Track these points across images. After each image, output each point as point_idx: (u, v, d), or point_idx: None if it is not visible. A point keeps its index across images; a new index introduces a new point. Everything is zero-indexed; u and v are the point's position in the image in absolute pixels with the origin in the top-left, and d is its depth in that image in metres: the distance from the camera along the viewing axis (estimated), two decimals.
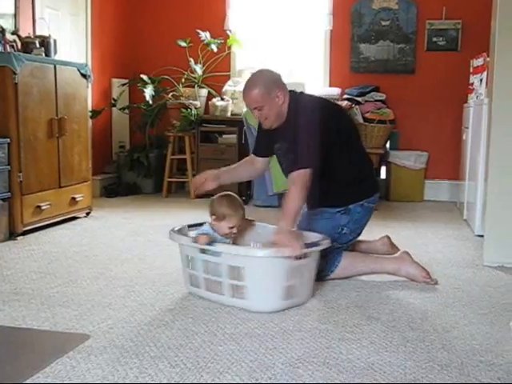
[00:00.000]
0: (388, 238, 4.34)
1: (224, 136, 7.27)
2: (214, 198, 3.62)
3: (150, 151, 7.59)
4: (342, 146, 3.80)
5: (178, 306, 3.30)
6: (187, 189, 7.64)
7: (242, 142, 7.03)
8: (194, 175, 7.24)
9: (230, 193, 3.63)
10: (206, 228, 3.52)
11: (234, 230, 3.50)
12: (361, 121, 6.89)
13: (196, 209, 6.38)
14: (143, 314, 3.17)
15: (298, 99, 3.80)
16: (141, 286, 3.68)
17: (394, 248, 4.27)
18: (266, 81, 3.69)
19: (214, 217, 3.51)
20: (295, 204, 3.50)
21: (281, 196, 6.68)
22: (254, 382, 2.38)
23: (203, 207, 6.37)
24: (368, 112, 6.97)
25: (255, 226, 3.91)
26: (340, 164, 3.78)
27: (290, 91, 3.83)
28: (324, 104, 3.91)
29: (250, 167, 4.19)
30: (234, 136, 7.20)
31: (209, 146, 7.27)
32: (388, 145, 7.35)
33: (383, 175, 7.44)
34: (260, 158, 4.13)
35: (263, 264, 3.24)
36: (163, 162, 7.50)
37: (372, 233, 4.27)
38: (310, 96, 4.04)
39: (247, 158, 4.27)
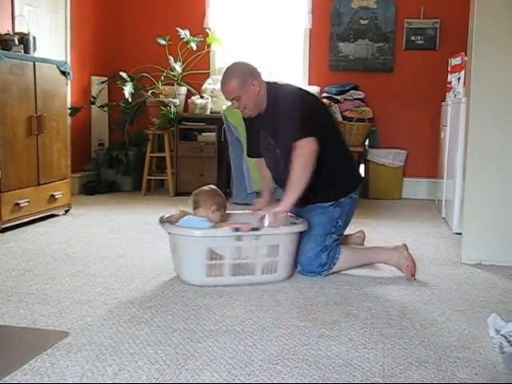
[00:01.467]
0: (363, 232, 4.50)
1: (203, 134, 7.26)
2: (199, 192, 3.90)
3: (129, 149, 7.57)
4: (330, 139, 3.89)
5: (157, 303, 3.30)
6: (166, 186, 7.63)
7: (221, 139, 7.03)
8: (173, 173, 7.26)
9: (210, 186, 3.96)
10: (197, 220, 3.72)
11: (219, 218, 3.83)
12: (340, 119, 6.90)
13: (175, 206, 6.34)
14: (122, 311, 3.16)
15: (277, 87, 3.93)
16: (120, 283, 3.67)
17: (363, 245, 4.46)
18: (240, 71, 3.84)
19: (214, 207, 3.77)
20: (301, 181, 3.68)
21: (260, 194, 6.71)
22: (232, 378, 2.38)
23: (182, 204, 6.37)
24: (347, 110, 6.98)
25: (230, 215, 4.16)
26: (329, 158, 3.83)
27: (268, 82, 3.94)
28: (308, 92, 4.08)
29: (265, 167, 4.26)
30: (214, 134, 7.19)
31: (188, 143, 7.26)
32: (367, 143, 7.37)
33: (362, 173, 7.46)
34: (258, 160, 4.26)
35: (292, 239, 3.75)
36: (142, 160, 7.48)
37: (349, 230, 4.28)
38: (288, 84, 4.10)
39: (258, 162, 4.34)
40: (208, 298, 3.39)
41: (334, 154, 3.90)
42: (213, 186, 3.94)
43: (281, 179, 3.94)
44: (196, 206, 3.81)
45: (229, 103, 6.57)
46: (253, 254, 3.65)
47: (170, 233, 3.68)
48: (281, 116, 3.79)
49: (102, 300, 3.33)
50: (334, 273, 3.90)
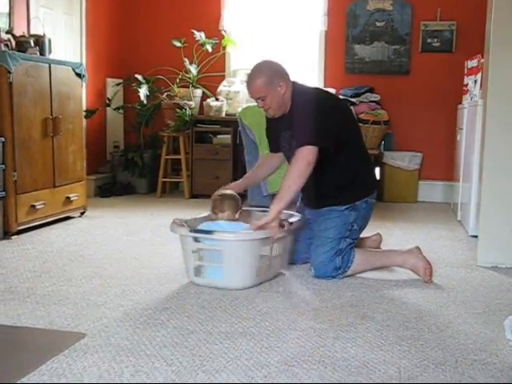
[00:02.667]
0: (379, 235, 4.50)
1: (218, 136, 7.28)
2: (223, 197, 3.89)
3: (145, 151, 7.59)
4: (348, 141, 3.90)
5: (173, 304, 3.31)
6: (181, 189, 7.65)
7: (236, 142, 7.04)
8: (188, 175, 7.27)
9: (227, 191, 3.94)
10: (222, 224, 3.74)
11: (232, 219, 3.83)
12: None
13: (190, 208, 6.39)
14: (138, 312, 3.18)
15: (302, 89, 3.91)
16: (136, 285, 3.69)
17: (380, 248, 4.46)
18: (268, 71, 3.80)
19: (240, 211, 3.89)
20: (294, 184, 3.65)
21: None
22: (249, 380, 2.39)
23: (197, 207, 6.39)
24: (362, 113, 6.99)
25: (252, 214, 4.27)
26: (347, 161, 3.86)
27: (294, 82, 3.92)
28: (330, 94, 4.18)
29: (267, 164, 4.32)
30: (229, 136, 7.21)
31: (203, 146, 7.28)
32: (382, 146, 7.36)
33: (378, 176, 7.45)
34: (276, 154, 4.22)
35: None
36: (157, 162, 7.51)
37: (364, 233, 4.29)
38: (315, 88, 4.16)
39: (265, 156, 4.42)
40: (224, 299, 3.40)
41: (351, 156, 3.91)
42: (229, 191, 3.94)
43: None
44: (222, 210, 3.81)
45: (244, 105, 6.62)
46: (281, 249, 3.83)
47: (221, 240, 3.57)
48: (295, 119, 3.79)
49: (118, 302, 3.35)
50: (349, 276, 3.90)
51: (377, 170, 7.35)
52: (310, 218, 4.05)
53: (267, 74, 3.77)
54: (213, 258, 3.59)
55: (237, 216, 3.82)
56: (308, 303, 3.40)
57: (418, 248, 4.02)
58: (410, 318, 3.17)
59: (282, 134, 3.99)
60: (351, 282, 3.83)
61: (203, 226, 3.69)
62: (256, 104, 3.94)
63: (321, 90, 4.14)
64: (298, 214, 4.04)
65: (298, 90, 3.86)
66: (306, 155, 3.61)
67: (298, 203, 4.29)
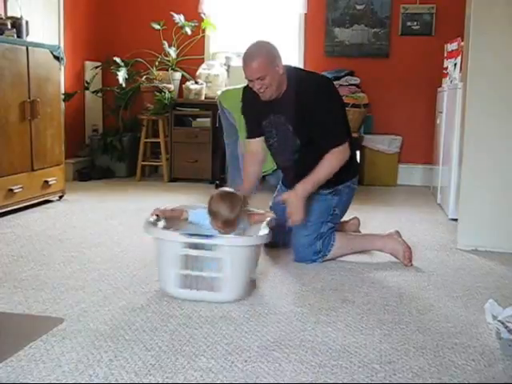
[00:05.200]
0: (357, 219, 4.49)
1: (198, 119, 7.25)
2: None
3: (124, 135, 7.55)
4: None
5: (152, 289, 3.28)
6: (161, 172, 7.61)
7: (215, 125, 7.01)
8: (167, 159, 7.24)
9: (227, 190, 3.45)
10: (200, 212, 3.44)
11: (223, 231, 3.30)
12: None
13: (169, 192, 6.37)
14: (117, 297, 3.15)
15: (298, 73, 3.90)
16: (115, 269, 3.66)
17: (359, 231, 4.46)
18: (267, 50, 3.70)
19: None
20: (325, 173, 3.69)
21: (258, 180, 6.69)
22: (229, 364, 2.38)
23: (177, 190, 6.36)
24: (343, 96, 6.91)
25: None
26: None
27: (286, 65, 3.86)
28: (327, 78, 4.15)
29: (254, 162, 4.12)
30: (208, 119, 7.19)
31: (183, 129, 7.25)
32: (362, 129, 7.36)
33: (357, 159, 7.44)
34: (255, 140, 4.09)
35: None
36: (137, 146, 7.47)
37: (345, 216, 4.29)
38: (305, 70, 4.18)
39: (246, 157, 4.20)
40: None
41: None
42: (223, 190, 3.46)
43: (287, 166, 3.98)
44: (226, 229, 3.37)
45: (224, 88, 6.58)
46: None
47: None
48: (305, 107, 3.73)
49: (96, 286, 3.32)
50: (328, 259, 3.89)
51: (357, 154, 7.35)
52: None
53: (267, 54, 3.68)
54: (206, 266, 3.10)
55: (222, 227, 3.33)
56: (288, 287, 3.39)
57: (397, 232, 4.04)
58: (391, 301, 3.17)
59: (270, 117, 3.92)
60: (331, 265, 3.82)
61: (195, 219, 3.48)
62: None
63: (315, 74, 4.06)
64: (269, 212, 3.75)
65: (291, 74, 3.81)
66: (343, 155, 3.74)
67: (278, 186, 4.26)
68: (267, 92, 3.74)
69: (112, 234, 4.57)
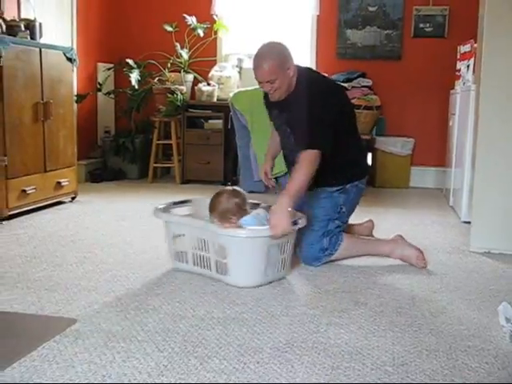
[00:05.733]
0: (372, 222, 4.47)
1: (210, 121, 7.25)
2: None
3: (136, 136, 7.55)
4: (344, 126, 3.85)
5: (164, 290, 3.29)
6: (173, 174, 7.61)
7: (227, 127, 7.01)
8: (179, 161, 7.24)
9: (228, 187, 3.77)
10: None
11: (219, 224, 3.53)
12: None
13: (181, 193, 6.37)
14: (130, 298, 3.16)
15: (306, 74, 3.86)
16: (127, 270, 3.67)
17: (372, 235, 4.44)
18: (278, 53, 3.68)
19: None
20: (300, 182, 3.52)
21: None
22: (241, 366, 2.38)
23: (189, 192, 6.37)
24: (354, 98, 6.95)
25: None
26: (341, 144, 3.78)
27: (299, 66, 3.85)
28: (334, 84, 4.08)
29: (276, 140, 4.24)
30: (220, 121, 7.18)
31: (195, 131, 7.25)
32: (374, 131, 7.35)
33: (369, 161, 7.43)
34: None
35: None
36: (149, 148, 7.47)
37: (357, 218, 4.28)
38: (317, 73, 4.09)
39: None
40: (216, 285, 3.38)
41: (347, 141, 3.88)
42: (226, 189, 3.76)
43: (290, 161, 3.94)
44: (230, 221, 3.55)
45: (236, 90, 6.59)
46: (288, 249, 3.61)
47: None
48: (299, 114, 3.71)
49: (109, 287, 3.33)
50: (333, 261, 3.88)
51: (369, 156, 7.33)
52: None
53: (278, 57, 3.65)
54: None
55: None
56: (300, 289, 3.40)
57: (401, 236, 4.03)
58: (404, 303, 3.16)
59: (276, 113, 3.96)
60: (344, 267, 3.81)
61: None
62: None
63: (324, 78, 4.06)
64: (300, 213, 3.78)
65: (302, 75, 3.79)
66: (315, 160, 3.56)
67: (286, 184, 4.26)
68: (276, 94, 3.75)
69: (124, 235, 4.58)
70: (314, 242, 3.82)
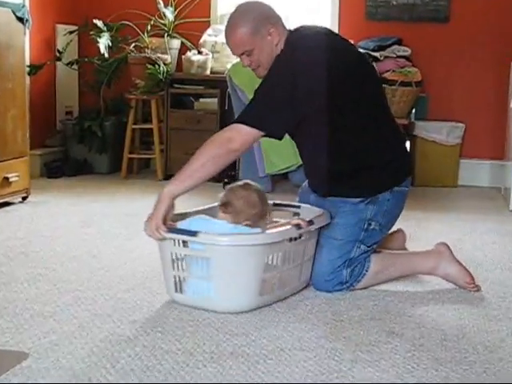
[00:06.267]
0: (402, 232, 4.36)
1: (201, 100, 7.27)
2: (235, 194, 3.59)
3: (106, 119, 7.56)
4: (360, 107, 3.71)
5: (142, 316, 3.29)
6: (153, 167, 7.62)
7: (224, 107, 7.01)
8: (162, 150, 7.24)
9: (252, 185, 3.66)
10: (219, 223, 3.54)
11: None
12: None
13: None
14: (97, 326, 3.16)
15: (301, 36, 3.74)
16: (94, 291, 3.67)
17: (404, 248, 4.34)
18: (253, 15, 3.63)
19: (248, 222, 3.51)
20: (191, 166, 3.50)
21: (275, 178, 6.68)
22: None
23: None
24: (388, 71, 6.95)
25: None
26: (361, 134, 3.70)
27: (293, 29, 3.78)
28: (330, 45, 3.75)
29: None
30: (215, 100, 7.19)
31: (182, 112, 7.27)
32: (413, 114, 7.35)
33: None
34: None
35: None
36: (122, 133, 7.48)
37: None
38: (317, 30, 3.89)
39: None
40: (208, 310, 3.38)
41: (370, 129, 3.74)
42: (255, 186, 3.64)
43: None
44: (225, 211, 3.56)
45: (236, 59, 6.59)
46: (300, 258, 3.62)
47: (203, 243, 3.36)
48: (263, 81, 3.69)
49: (71, 312, 3.33)
50: (357, 289, 3.84)
51: (407, 145, 7.34)
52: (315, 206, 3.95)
53: (252, 20, 3.60)
54: (198, 268, 3.42)
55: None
56: (317, 315, 3.39)
57: (446, 246, 3.93)
58: (450, 335, 3.16)
59: None
60: (372, 289, 3.81)
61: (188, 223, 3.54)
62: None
63: (328, 34, 3.90)
64: (316, 207, 3.83)
65: (291, 39, 3.69)
66: (229, 139, 3.51)
67: (303, 185, 4.23)
68: (261, 70, 3.72)
69: (90, 245, 4.58)
70: (330, 272, 3.70)
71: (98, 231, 4.98)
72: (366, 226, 3.73)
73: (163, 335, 3.06)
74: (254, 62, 3.68)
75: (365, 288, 3.83)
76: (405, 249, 4.34)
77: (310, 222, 3.52)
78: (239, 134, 3.50)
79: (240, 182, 3.67)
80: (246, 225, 3.46)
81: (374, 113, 3.80)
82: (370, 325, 3.27)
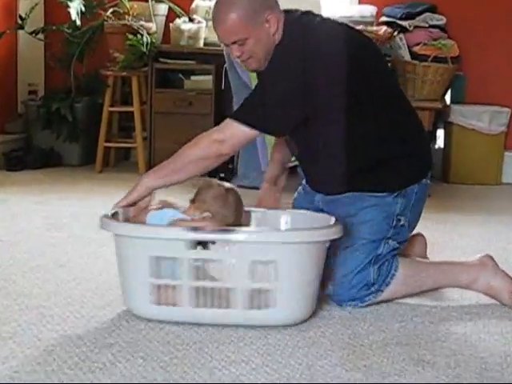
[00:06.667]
0: (422, 237, 4.40)
1: (193, 78, 7.27)
2: (206, 182, 3.69)
3: (77, 100, 7.56)
4: (377, 97, 3.80)
5: (121, 339, 3.29)
6: (134, 159, 7.62)
7: (220, 87, 7.01)
8: (144, 138, 7.24)
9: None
10: (172, 212, 3.60)
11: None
12: (407, 58, 6.87)
13: None
14: (66, 350, 3.15)
15: (301, 23, 3.76)
16: (62, 307, 3.67)
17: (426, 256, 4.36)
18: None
19: (208, 214, 3.54)
20: (178, 164, 3.68)
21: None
22: None
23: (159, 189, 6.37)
24: (418, 44, 6.95)
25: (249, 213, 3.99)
26: (379, 125, 3.77)
27: (288, 12, 3.79)
28: (344, 32, 3.86)
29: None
30: (209, 78, 7.20)
31: (169, 92, 7.28)
32: (449, 96, 7.34)
33: (440, 143, 7.43)
34: None
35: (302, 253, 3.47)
36: (97, 117, 7.48)
37: (416, 229, 4.26)
38: (323, 20, 3.93)
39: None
40: (200, 332, 3.38)
41: (394, 118, 3.84)
42: (235, 190, 3.74)
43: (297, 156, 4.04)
44: (192, 200, 3.67)
45: None
46: (228, 275, 3.48)
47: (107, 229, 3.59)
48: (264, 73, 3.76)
49: (34, 333, 3.33)
50: (385, 300, 3.87)
51: (439, 135, 7.33)
52: (325, 210, 3.93)
53: (247, 3, 3.61)
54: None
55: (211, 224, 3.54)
56: (332, 339, 3.39)
57: (490, 258, 3.96)
58: (492, 363, 3.16)
59: None
60: (398, 306, 3.82)
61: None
62: None
63: (337, 25, 3.94)
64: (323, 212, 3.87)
65: (291, 27, 3.71)
66: (220, 141, 3.64)
67: (300, 188, 4.24)
68: (252, 62, 3.74)
69: (58, 253, 4.58)
70: (356, 271, 3.73)
71: (68, 235, 4.98)
72: (394, 222, 3.82)
73: (146, 362, 3.06)
74: (246, 53, 3.67)
75: (393, 299, 3.87)
76: (426, 257, 4.35)
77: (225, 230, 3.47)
78: (232, 136, 3.62)
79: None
80: (204, 217, 3.52)
81: (394, 102, 3.92)
82: (395, 351, 3.27)
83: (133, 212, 3.73)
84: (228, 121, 3.67)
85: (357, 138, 3.71)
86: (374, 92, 3.79)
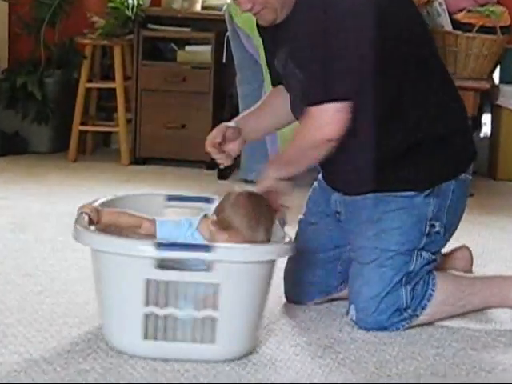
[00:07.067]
0: (468, 250, 4.39)
1: (188, 48, 7.27)
2: (232, 192, 3.59)
3: (48, 74, 7.56)
4: (410, 71, 3.75)
5: (98, 364, 3.29)
6: (116, 146, 7.62)
7: (221, 59, 7.01)
8: (129, 121, 7.24)
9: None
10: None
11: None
12: (448, 27, 6.87)
13: (131, 184, 6.38)
14: (31, 377, 3.15)
15: None
16: (28, 326, 3.67)
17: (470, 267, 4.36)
18: None
19: (214, 217, 3.48)
20: (290, 156, 3.69)
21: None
22: None
23: (144, 182, 6.39)
24: (462, 11, 6.95)
25: None
26: (410, 107, 3.73)
27: None
28: None
29: (284, 100, 4.13)
30: (208, 48, 7.20)
31: (159, 65, 7.29)
32: (497, 74, 7.34)
33: (487, 130, 7.43)
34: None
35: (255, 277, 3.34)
36: (72, 95, 7.49)
37: (456, 236, 4.26)
38: None
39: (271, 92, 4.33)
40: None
41: (427, 102, 3.77)
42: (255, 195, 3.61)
43: None
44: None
45: None
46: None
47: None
48: (321, 45, 3.65)
49: None
50: (422, 324, 3.87)
51: (485, 120, 7.33)
52: (342, 213, 3.99)
53: None
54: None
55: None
56: (354, 368, 3.38)
57: None
58: None
59: (278, 54, 3.93)
60: (434, 330, 3.82)
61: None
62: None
63: None
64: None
65: None
66: (322, 126, 3.58)
67: (314, 185, 4.23)
68: (266, 13, 3.72)
69: (23, 258, 4.59)
70: (382, 294, 3.70)
71: (35, 238, 4.99)
72: (427, 228, 3.77)
73: None
74: (258, 4, 3.65)
75: (431, 323, 3.85)
76: (471, 272, 4.34)
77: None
78: (333, 117, 3.54)
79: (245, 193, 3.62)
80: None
81: (434, 75, 3.88)
82: (429, 382, 3.27)
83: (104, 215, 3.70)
84: (316, 106, 3.55)
85: (387, 115, 3.69)
86: (410, 59, 3.74)
